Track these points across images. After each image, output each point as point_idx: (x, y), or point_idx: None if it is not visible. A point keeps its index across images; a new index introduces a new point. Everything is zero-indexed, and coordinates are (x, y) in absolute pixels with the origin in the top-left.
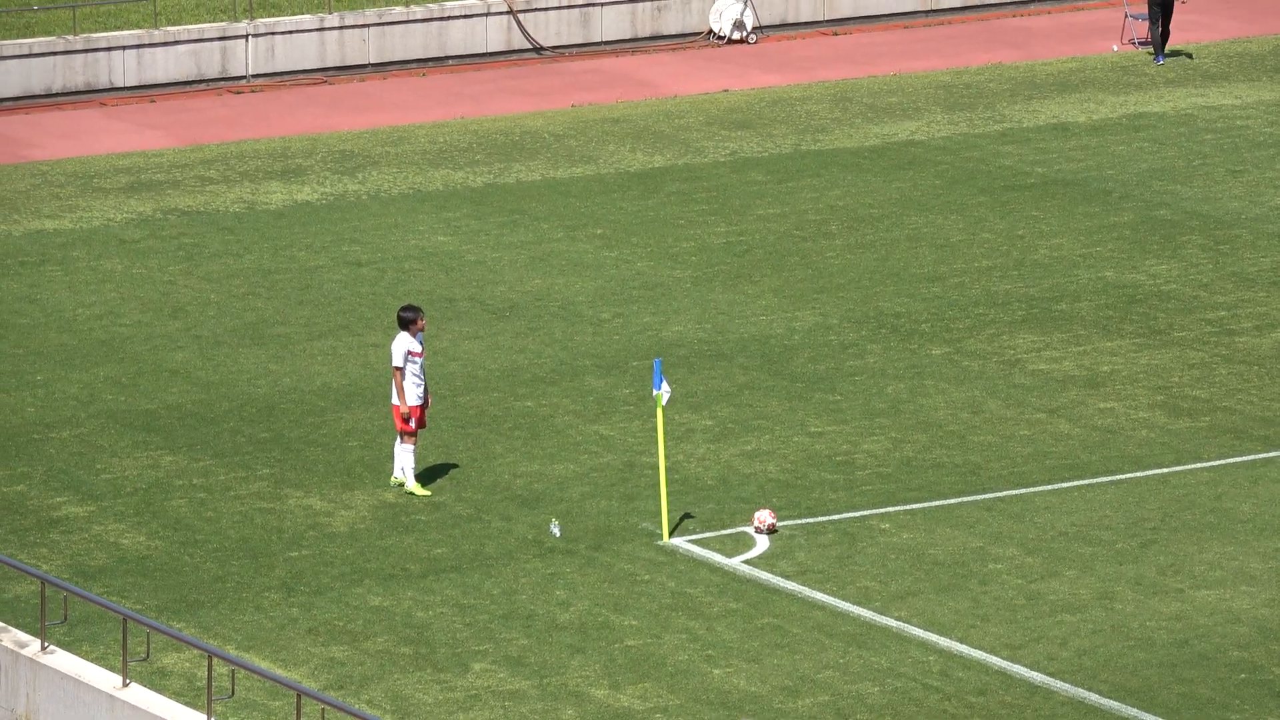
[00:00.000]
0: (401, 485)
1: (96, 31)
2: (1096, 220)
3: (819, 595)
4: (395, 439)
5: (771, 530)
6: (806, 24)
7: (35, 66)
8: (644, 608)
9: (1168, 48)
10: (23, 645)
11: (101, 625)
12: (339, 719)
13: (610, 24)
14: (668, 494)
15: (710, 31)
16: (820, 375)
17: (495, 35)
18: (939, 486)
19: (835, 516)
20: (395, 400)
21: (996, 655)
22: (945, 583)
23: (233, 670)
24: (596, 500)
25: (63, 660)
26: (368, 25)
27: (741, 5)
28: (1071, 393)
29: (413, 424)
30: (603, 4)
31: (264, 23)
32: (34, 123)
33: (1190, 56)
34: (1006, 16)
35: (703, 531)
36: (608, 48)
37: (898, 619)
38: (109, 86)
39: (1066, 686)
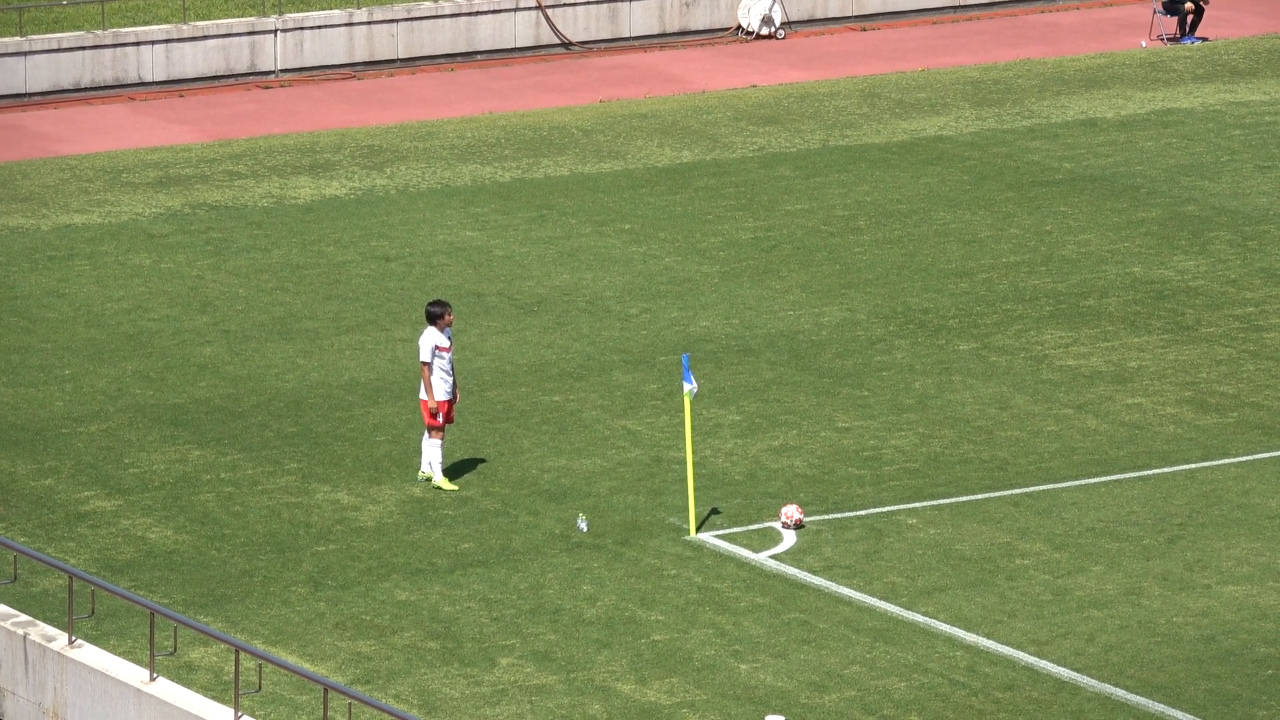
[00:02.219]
0: (429, 480)
1: (125, 26)
2: (1124, 216)
3: (846, 590)
4: (423, 434)
5: (799, 525)
6: (835, 19)
7: (64, 61)
8: (671, 603)
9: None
10: (50, 639)
11: (129, 619)
12: (366, 714)
13: (639, 19)
14: (695, 489)
15: (739, 27)
16: (848, 371)
17: (524, 30)
18: (966, 482)
19: (862, 512)
20: (423, 395)
21: (1023, 651)
22: (972, 578)
23: (260, 664)
24: (624, 495)
25: (90, 654)
26: (396, 20)
27: (770, 1)
28: (1099, 388)
29: (440, 419)
30: None
31: (292, 18)
32: (63, 118)
33: (1205, 40)
34: (1035, 12)
35: (730, 526)
36: (636, 43)
37: (924, 614)
38: (138, 81)
39: (1093, 682)
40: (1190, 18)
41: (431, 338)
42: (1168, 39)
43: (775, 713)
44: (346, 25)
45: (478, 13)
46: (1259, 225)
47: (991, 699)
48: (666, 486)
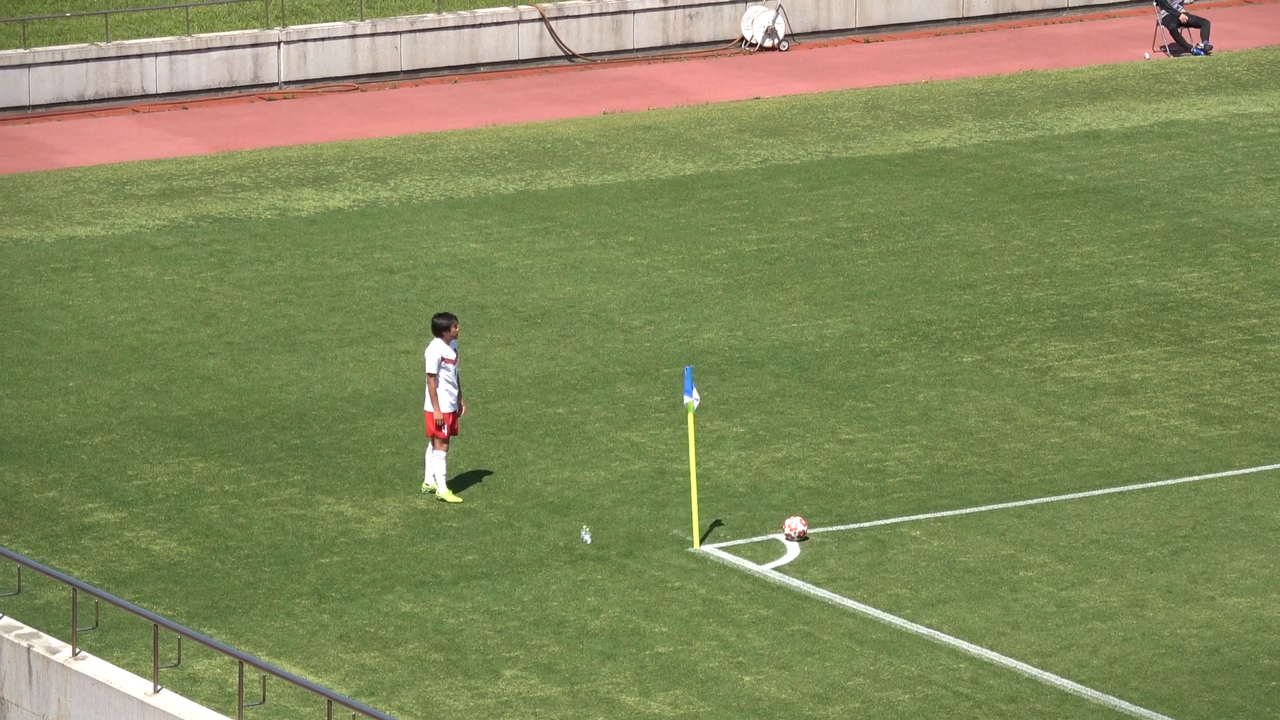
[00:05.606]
0: (433, 492)
1: (129, 38)
2: (1128, 228)
3: (850, 602)
4: (427, 446)
5: (802, 537)
6: (838, 31)
7: (68, 73)
8: (675, 614)
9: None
10: (54, 651)
11: (133, 631)
12: None
13: (642, 31)
14: (699, 501)
15: (742, 39)
16: (851, 383)
17: (527, 42)
18: (970, 494)
19: (866, 524)
20: (428, 407)
21: (1027, 663)
22: (976, 590)
23: (264, 676)
24: (627, 507)
25: (94, 666)
26: (400, 32)
27: (773, 12)
28: (1103, 400)
29: (445, 431)
30: (635, 11)
31: (296, 30)
32: (67, 129)
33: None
34: (1038, 24)
35: (734, 538)
36: (640, 55)
37: (928, 626)
38: (141, 93)
39: (1097, 694)
40: (1195, 31)
41: (438, 349)
42: (1171, 50)
43: None
44: (350, 37)
45: (481, 25)
46: (1262, 237)
47: (995, 711)
48: (670, 499)
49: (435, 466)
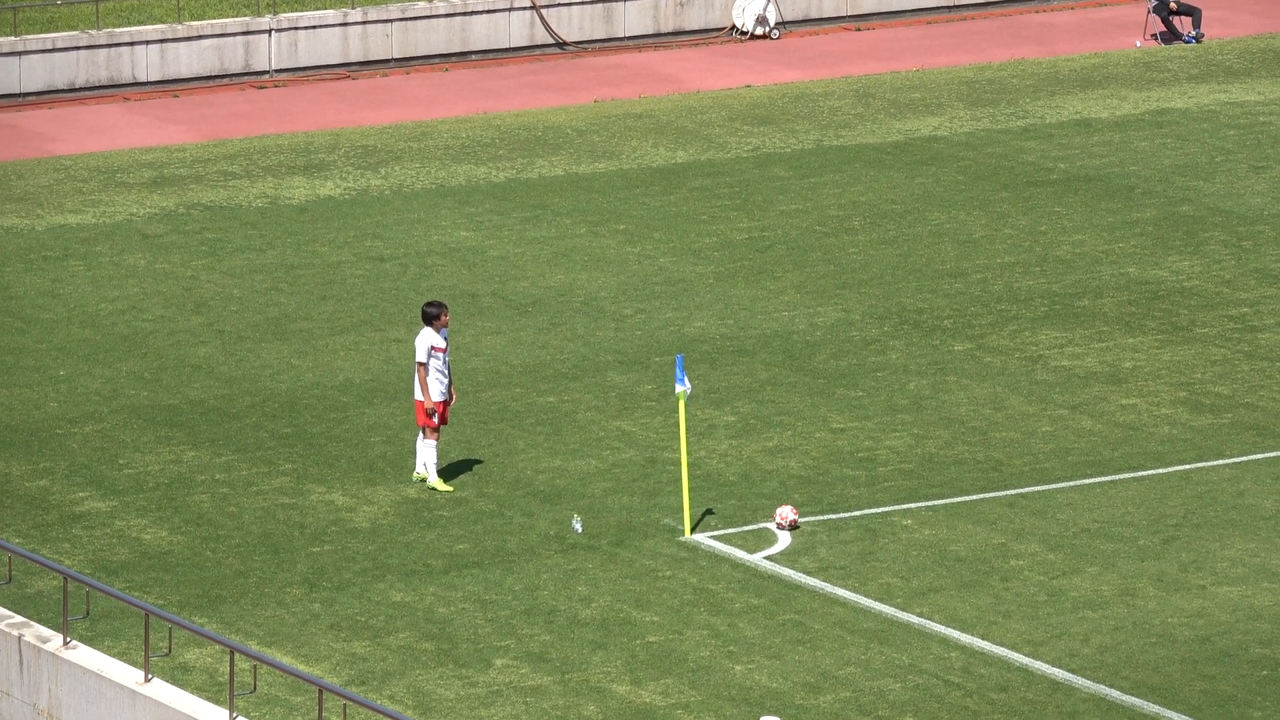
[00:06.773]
0: (424, 481)
1: (120, 26)
2: (1119, 216)
3: (841, 591)
4: (417, 434)
5: (793, 526)
6: (829, 19)
7: (58, 61)
8: (666, 604)
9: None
10: (45, 640)
11: (123, 620)
12: (361, 715)
13: (633, 19)
14: (690, 490)
15: (733, 27)
16: (842, 371)
17: (518, 30)
18: (961, 483)
19: (857, 513)
20: (418, 395)
21: (1018, 652)
22: (967, 579)
23: (254, 665)
24: (618, 496)
25: (85, 655)
26: (391, 20)
27: (764, 0)
28: (1094, 389)
29: (436, 419)
30: None
31: (287, 18)
32: (57, 117)
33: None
34: (1029, 12)
35: (725, 527)
36: (631, 43)
37: (919, 615)
38: (132, 81)
39: (1088, 683)
40: (1186, 19)
41: (428, 338)
42: (1162, 39)
43: (770, 713)
44: (341, 25)
45: (472, 12)
46: (1253, 225)
47: (986, 700)
48: (661, 487)
49: (426, 455)
